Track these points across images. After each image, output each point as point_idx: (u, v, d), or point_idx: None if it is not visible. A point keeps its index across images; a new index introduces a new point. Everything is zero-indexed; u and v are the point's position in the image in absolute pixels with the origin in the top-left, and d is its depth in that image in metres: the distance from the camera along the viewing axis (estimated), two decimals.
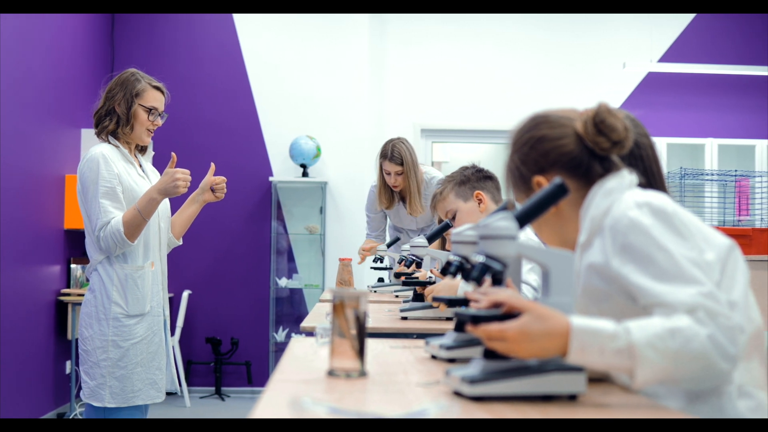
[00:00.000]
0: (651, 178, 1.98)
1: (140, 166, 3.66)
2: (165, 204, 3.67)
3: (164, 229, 3.71)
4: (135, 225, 3.42)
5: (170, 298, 7.64)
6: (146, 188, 3.54)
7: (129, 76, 3.59)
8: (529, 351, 1.52)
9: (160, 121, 3.65)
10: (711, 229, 1.78)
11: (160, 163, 7.65)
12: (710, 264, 1.66)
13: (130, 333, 3.47)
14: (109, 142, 3.55)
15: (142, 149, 3.72)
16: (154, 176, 3.75)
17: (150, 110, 3.58)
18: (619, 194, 1.77)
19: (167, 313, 3.75)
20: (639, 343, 1.50)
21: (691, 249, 1.63)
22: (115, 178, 3.45)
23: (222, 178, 3.72)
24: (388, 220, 5.68)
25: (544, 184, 1.84)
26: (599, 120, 1.81)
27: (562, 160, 1.86)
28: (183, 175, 3.47)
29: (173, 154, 3.57)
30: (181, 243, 3.85)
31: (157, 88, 3.64)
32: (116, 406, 3.43)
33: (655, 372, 1.50)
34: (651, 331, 1.51)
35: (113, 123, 3.54)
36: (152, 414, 6.71)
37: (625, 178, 1.82)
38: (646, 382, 1.52)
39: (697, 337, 1.50)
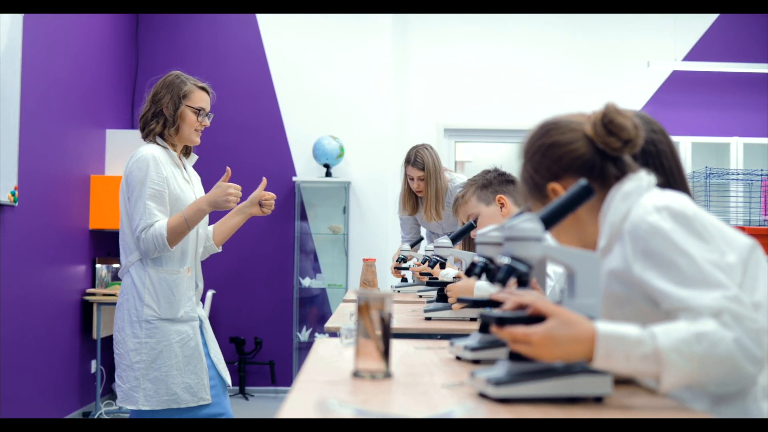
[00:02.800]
0: (669, 177, 1.97)
1: (184, 169, 3.69)
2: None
3: (201, 236, 3.72)
4: (178, 232, 3.45)
5: None
6: (190, 193, 3.58)
7: (174, 78, 3.62)
8: (554, 355, 1.52)
9: (207, 122, 3.68)
10: (732, 229, 1.77)
11: None
12: (732, 266, 1.64)
13: (163, 335, 3.47)
14: (157, 143, 3.57)
15: (187, 152, 3.75)
16: (197, 180, 3.78)
17: (198, 111, 3.61)
18: (638, 197, 1.76)
19: (204, 315, 3.74)
20: (665, 348, 1.50)
21: (712, 252, 1.62)
22: (164, 182, 3.47)
23: (272, 195, 3.73)
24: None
25: (559, 191, 1.84)
26: (608, 120, 1.80)
27: (574, 164, 1.84)
28: (235, 190, 3.50)
29: (228, 168, 3.60)
30: (219, 250, 3.88)
31: (203, 89, 3.68)
32: (150, 409, 3.44)
33: (681, 376, 1.50)
34: (677, 336, 1.50)
35: (160, 125, 3.57)
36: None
37: (643, 180, 1.81)
38: (673, 386, 1.52)
39: (723, 341, 1.50)
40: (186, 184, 3.62)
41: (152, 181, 3.43)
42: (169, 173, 3.51)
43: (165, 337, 3.47)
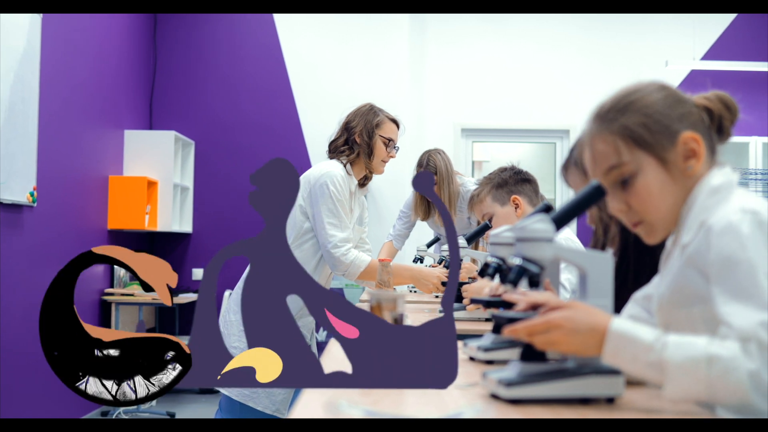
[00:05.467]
0: None
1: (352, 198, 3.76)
2: (355, 235, 3.77)
3: None
4: (370, 275, 3.59)
5: None
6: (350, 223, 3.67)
7: (368, 109, 3.75)
8: (571, 343, 1.50)
9: (394, 153, 3.77)
10: None
11: (201, 158, 7.72)
12: None
13: None
14: (345, 168, 3.66)
15: (364, 182, 3.81)
16: (357, 212, 3.83)
17: (388, 141, 3.70)
18: (728, 193, 1.63)
19: (314, 343, 3.82)
20: (671, 362, 1.43)
21: None
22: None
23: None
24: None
25: (698, 142, 1.67)
26: (723, 96, 1.77)
27: (703, 124, 1.72)
28: (439, 283, 3.69)
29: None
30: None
31: (393, 121, 3.78)
32: (228, 395, 3.47)
33: (685, 394, 1.43)
34: (688, 353, 1.42)
35: (354, 154, 3.68)
36: (187, 412, 6.77)
37: (731, 176, 1.68)
38: (676, 399, 1.46)
39: (737, 371, 1.38)
40: (350, 214, 3.70)
41: (346, 200, 3.57)
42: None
43: None
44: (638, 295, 1.89)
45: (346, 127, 3.74)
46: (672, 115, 1.68)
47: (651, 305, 1.80)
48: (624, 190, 1.66)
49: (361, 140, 3.68)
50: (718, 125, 1.74)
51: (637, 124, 1.67)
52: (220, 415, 3.59)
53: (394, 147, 3.76)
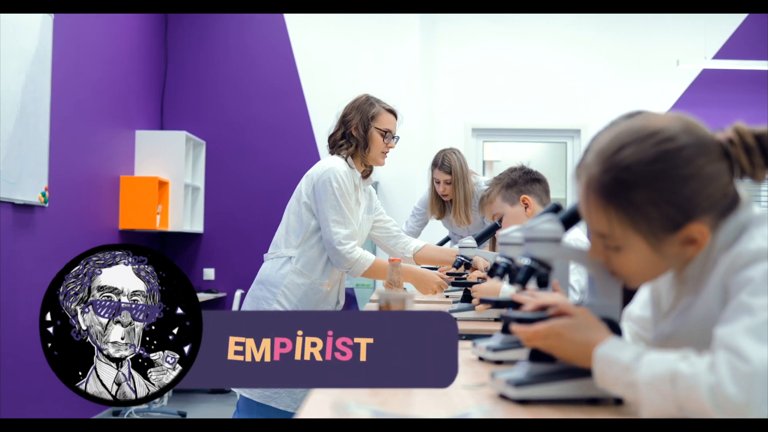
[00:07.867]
0: None
1: (357, 191, 3.75)
2: (362, 231, 3.77)
3: None
4: (375, 274, 3.60)
5: (222, 298, 7.71)
6: (356, 216, 3.67)
7: (364, 100, 3.77)
8: (565, 351, 1.50)
9: (393, 143, 3.75)
10: None
11: (212, 158, 7.74)
12: None
13: None
14: (346, 161, 3.66)
15: (366, 175, 3.80)
16: (364, 204, 3.83)
17: (384, 132, 3.68)
18: (757, 228, 1.44)
19: None
20: (642, 381, 1.37)
21: None
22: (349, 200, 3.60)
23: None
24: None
25: (704, 235, 1.45)
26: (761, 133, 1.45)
27: (721, 203, 1.47)
28: (438, 289, 3.69)
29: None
30: (409, 255, 3.96)
31: (391, 111, 3.77)
32: (249, 398, 3.47)
33: (659, 412, 1.36)
34: (656, 371, 1.35)
35: (352, 147, 3.67)
36: (198, 412, 6.78)
37: (756, 211, 1.49)
38: (654, 416, 1.39)
39: (697, 388, 1.30)
40: (356, 207, 3.70)
41: (349, 195, 3.57)
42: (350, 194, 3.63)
43: None
44: (633, 315, 1.81)
45: (343, 121, 3.74)
46: (687, 204, 1.43)
47: (646, 324, 1.75)
48: (606, 248, 1.52)
49: (357, 133, 3.67)
50: (752, 174, 1.47)
51: (639, 209, 1.43)
52: (237, 416, 3.58)
53: (393, 138, 3.73)
